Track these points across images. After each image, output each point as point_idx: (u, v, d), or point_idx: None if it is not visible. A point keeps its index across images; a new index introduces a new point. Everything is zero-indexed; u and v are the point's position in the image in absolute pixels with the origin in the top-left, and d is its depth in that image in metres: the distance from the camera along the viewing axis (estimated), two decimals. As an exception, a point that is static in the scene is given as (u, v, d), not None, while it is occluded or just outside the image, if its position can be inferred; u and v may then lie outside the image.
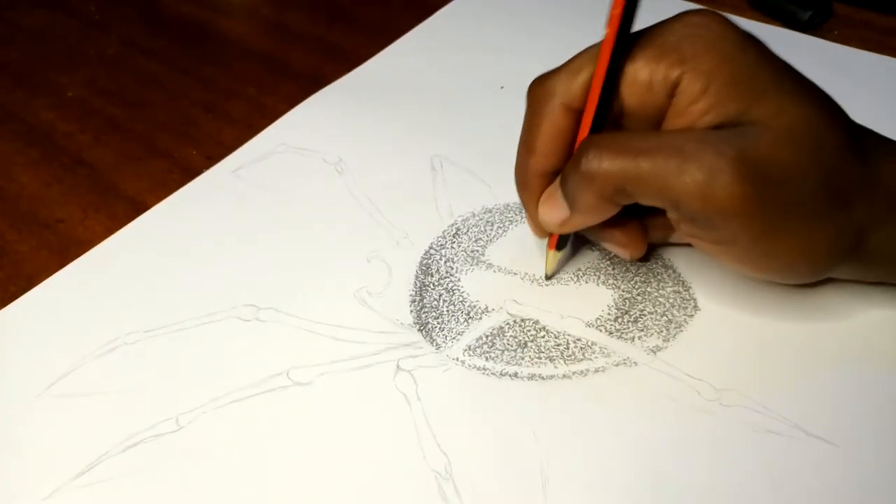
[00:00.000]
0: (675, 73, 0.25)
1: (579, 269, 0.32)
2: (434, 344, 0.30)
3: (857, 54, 0.43)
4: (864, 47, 0.43)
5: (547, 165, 0.28)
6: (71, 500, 0.26)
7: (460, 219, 0.35)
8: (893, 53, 0.43)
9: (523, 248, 0.33)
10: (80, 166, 0.40)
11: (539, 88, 0.27)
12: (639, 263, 0.32)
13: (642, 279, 0.31)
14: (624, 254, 0.30)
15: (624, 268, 0.32)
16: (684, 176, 0.24)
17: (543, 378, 0.28)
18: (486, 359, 0.29)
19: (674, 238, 0.31)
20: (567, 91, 0.27)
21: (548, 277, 0.32)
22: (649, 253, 0.32)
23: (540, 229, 0.30)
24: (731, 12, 0.46)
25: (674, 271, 0.31)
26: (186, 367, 0.29)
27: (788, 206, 0.24)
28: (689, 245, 0.30)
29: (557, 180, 0.28)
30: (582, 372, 0.28)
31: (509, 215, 0.34)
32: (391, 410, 0.28)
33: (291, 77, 0.45)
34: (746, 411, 0.27)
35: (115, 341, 0.31)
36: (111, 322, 0.31)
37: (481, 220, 0.34)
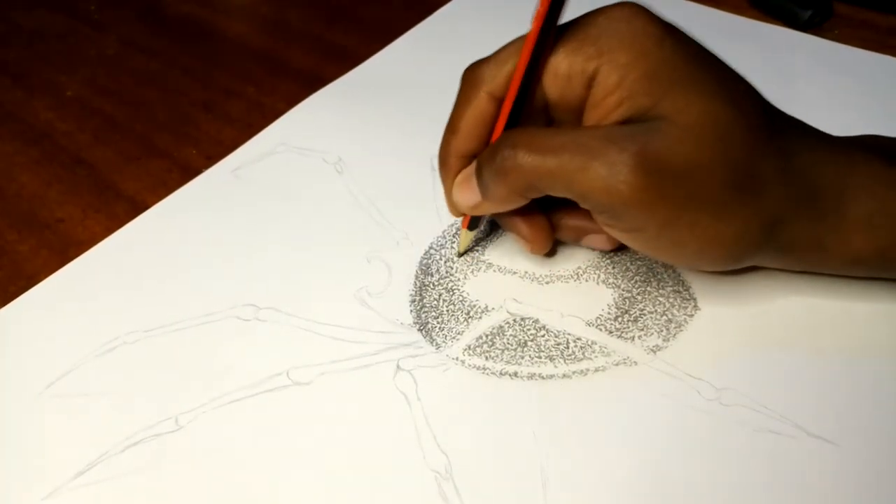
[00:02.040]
0: (591, 66, 0.26)
1: (579, 268, 0.32)
2: (434, 344, 0.30)
3: (857, 54, 0.43)
4: (865, 47, 0.43)
5: (467, 148, 0.29)
6: (71, 499, 0.26)
7: (461, 218, 0.35)
8: (894, 53, 0.43)
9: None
10: (79, 166, 0.40)
11: (470, 74, 0.28)
12: (639, 262, 0.32)
13: (642, 278, 0.31)
14: (526, 247, 0.31)
15: (624, 267, 0.32)
16: (589, 172, 0.25)
17: (543, 377, 0.28)
18: (486, 358, 0.29)
19: (585, 242, 0.31)
20: (492, 80, 0.28)
21: (460, 255, 0.32)
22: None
23: (454, 207, 0.31)
24: (731, 11, 0.46)
25: (674, 271, 0.31)
26: (186, 367, 0.29)
27: (691, 197, 0.25)
28: (602, 250, 0.31)
29: (471, 167, 0.29)
30: (582, 371, 0.28)
31: (509, 215, 0.34)
32: (391, 410, 0.27)
33: (291, 76, 0.45)
34: (746, 411, 0.27)
35: (115, 341, 0.31)
36: (111, 322, 0.31)
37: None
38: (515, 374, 0.28)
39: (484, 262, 0.33)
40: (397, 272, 0.32)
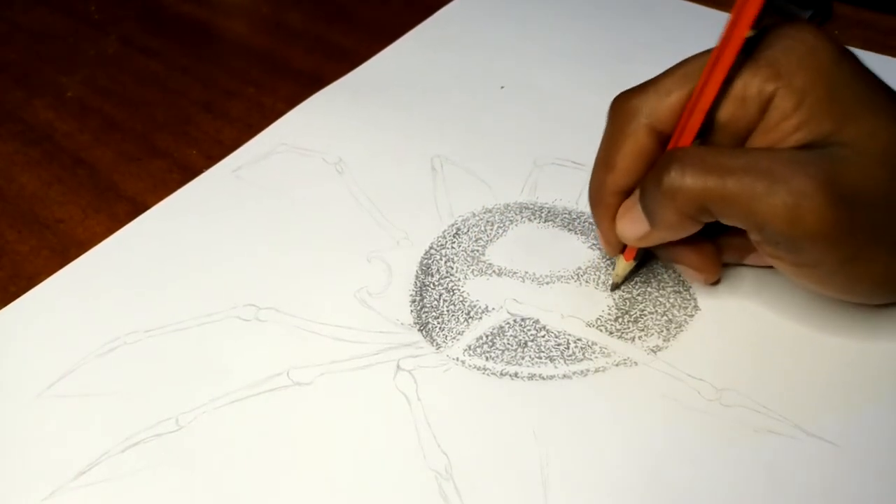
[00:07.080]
0: (769, 88, 0.24)
1: (580, 269, 0.32)
2: (434, 344, 0.30)
3: (857, 54, 0.43)
4: (865, 47, 0.43)
5: (625, 183, 0.27)
6: (71, 500, 0.26)
7: (460, 218, 0.35)
8: (894, 53, 0.43)
9: (523, 247, 0.33)
10: (79, 166, 0.40)
11: (623, 106, 0.27)
12: (639, 263, 0.32)
13: (643, 279, 0.31)
14: (698, 278, 0.30)
15: (624, 268, 0.32)
16: (773, 198, 0.23)
17: (543, 378, 0.28)
18: (487, 359, 0.29)
19: (749, 260, 0.30)
20: (653, 112, 0.26)
21: (615, 288, 0.31)
22: (650, 253, 0.32)
23: (612, 246, 0.30)
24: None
25: (674, 271, 0.31)
26: (186, 367, 0.29)
27: (877, 231, 0.23)
28: (765, 267, 0.29)
29: (635, 194, 0.27)
30: (582, 372, 0.28)
31: (509, 215, 0.34)
32: (391, 410, 0.27)
33: (291, 76, 0.45)
34: (746, 411, 0.27)
35: (115, 341, 0.31)
36: (111, 322, 0.31)
37: (481, 219, 0.34)
38: (516, 374, 0.28)
39: (484, 261, 0.33)
40: (397, 272, 0.32)
